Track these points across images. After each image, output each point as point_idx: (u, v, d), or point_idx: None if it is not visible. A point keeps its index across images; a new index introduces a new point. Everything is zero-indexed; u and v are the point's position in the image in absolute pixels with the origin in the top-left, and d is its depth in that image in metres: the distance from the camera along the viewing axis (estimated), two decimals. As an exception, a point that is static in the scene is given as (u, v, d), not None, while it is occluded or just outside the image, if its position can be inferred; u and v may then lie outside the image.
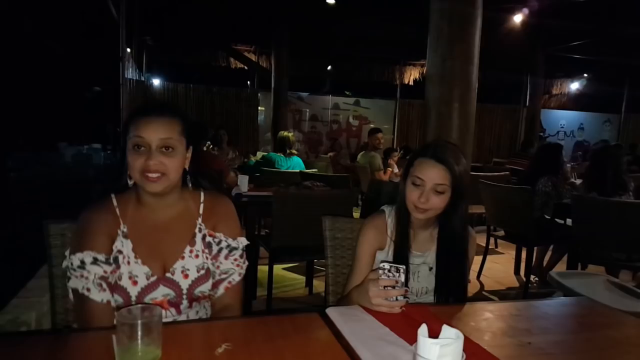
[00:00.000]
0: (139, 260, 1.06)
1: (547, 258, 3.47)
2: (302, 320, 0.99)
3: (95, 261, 1.02)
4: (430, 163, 1.19)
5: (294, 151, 4.17)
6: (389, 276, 1.02)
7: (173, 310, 1.07)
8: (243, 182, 3.06)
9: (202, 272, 1.10)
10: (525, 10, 5.95)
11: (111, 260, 1.04)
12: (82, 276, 1.01)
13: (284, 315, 0.99)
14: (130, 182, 1.08)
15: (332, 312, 1.02)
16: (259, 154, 5.71)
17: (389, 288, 1.02)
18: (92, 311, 1.00)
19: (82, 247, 1.03)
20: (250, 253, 3.17)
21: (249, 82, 9.47)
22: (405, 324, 0.98)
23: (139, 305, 0.81)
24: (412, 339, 0.74)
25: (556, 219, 3.32)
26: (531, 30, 6.80)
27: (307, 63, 9.03)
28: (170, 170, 1.04)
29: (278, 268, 3.43)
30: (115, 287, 1.04)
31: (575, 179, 3.54)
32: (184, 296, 1.08)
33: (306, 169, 4.15)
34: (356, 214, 3.24)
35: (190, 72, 9.26)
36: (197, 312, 1.14)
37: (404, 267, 1.03)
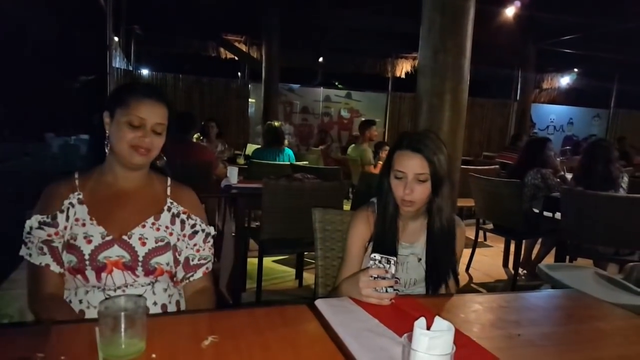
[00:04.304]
0: (94, 222, 1.09)
1: (535, 251, 3.51)
2: (291, 311, 0.98)
3: (39, 225, 1.07)
4: (407, 154, 1.19)
5: (285, 141, 4.13)
6: (379, 267, 1.02)
7: (129, 272, 1.09)
8: (233, 174, 3.03)
9: (161, 243, 1.13)
10: (518, 3, 5.94)
11: (50, 219, 1.08)
12: (29, 241, 1.08)
13: (273, 307, 0.98)
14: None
15: (321, 304, 1.01)
16: (249, 147, 5.64)
17: (378, 278, 1.01)
18: (30, 274, 1.08)
19: (32, 214, 1.09)
20: (240, 245, 3.15)
21: (239, 73, 9.36)
22: (394, 316, 0.97)
23: (123, 296, 0.79)
24: (401, 331, 0.73)
25: (544, 212, 3.35)
26: (523, 24, 6.80)
27: (299, 55, 8.93)
28: (155, 148, 1.13)
29: (268, 260, 3.41)
30: (69, 247, 1.07)
31: (565, 173, 3.56)
32: (140, 263, 1.09)
33: (297, 161, 4.12)
34: (346, 207, 3.23)
35: (180, 62, 9.11)
36: (166, 290, 1.14)
37: (395, 258, 1.03)
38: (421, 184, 1.19)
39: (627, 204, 2.61)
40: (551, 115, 10.61)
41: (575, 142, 8.45)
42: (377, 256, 1.03)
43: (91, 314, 1.05)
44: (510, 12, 6.07)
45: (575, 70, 10.08)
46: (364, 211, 1.31)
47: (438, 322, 0.71)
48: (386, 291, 1.02)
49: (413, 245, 1.29)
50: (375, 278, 1.02)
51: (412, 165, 1.18)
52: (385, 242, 1.23)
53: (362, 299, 1.03)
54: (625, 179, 2.95)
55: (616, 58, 8.44)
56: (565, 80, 10.43)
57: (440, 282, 1.24)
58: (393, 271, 1.02)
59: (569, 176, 3.40)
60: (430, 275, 1.25)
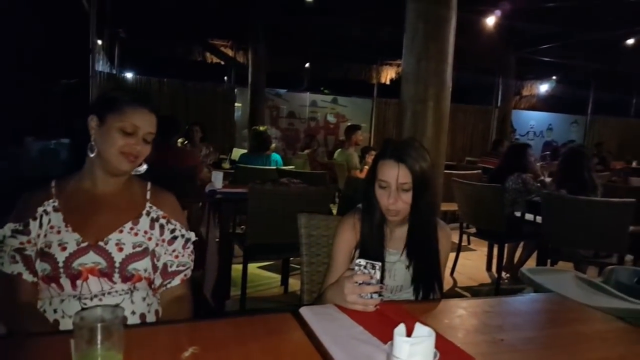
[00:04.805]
0: (69, 229, 1.07)
1: (517, 255, 3.56)
2: (275, 320, 0.97)
3: (12, 233, 1.05)
4: (390, 164, 1.20)
5: (272, 146, 4.12)
6: (364, 273, 1.01)
7: (106, 279, 1.06)
8: (217, 179, 3.00)
9: (139, 249, 1.10)
10: (498, 13, 6.07)
11: (22, 227, 1.06)
12: (1, 250, 1.05)
13: (256, 315, 0.96)
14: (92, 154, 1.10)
15: (305, 312, 0.99)
16: (235, 151, 5.60)
17: (364, 284, 1.01)
18: (2, 283, 1.04)
19: (5, 222, 1.06)
20: (225, 251, 3.10)
21: (225, 78, 9.30)
22: (379, 323, 0.96)
23: (99, 307, 0.77)
24: (386, 338, 0.73)
25: (526, 216, 3.40)
26: (503, 33, 6.96)
27: (285, 60, 8.94)
28: (143, 156, 1.13)
29: (253, 266, 3.38)
30: (42, 255, 1.04)
31: (545, 177, 3.64)
32: (116, 269, 1.07)
33: (283, 166, 4.10)
34: (333, 211, 3.22)
35: (165, 65, 8.99)
36: (145, 299, 1.11)
37: (380, 263, 1.02)
38: (405, 193, 1.19)
39: (605, 208, 2.68)
40: (531, 121, 10.87)
41: (554, 147, 8.65)
42: (362, 262, 1.02)
43: (66, 323, 1.02)
44: (490, 21, 6.20)
45: (554, 78, 10.36)
46: (350, 218, 1.30)
47: (419, 328, 0.70)
48: (371, 297, 1.01)
49: (400, 251, 1.29)
50: (360, 284, 1.01)
51: (395, 174, 1.18)
52: (372, 249, 1.23)
53: (348, 305, 1.02)
54: (600, 183, 3.06)
55: (592, 67, 8.71)
56: (544, 88, 10.70)
57: (427, 287, 1.24)
58: (378, 277, 1.01)
59: (548, 180, 3.47)
60: (416, 281, 1.25)
